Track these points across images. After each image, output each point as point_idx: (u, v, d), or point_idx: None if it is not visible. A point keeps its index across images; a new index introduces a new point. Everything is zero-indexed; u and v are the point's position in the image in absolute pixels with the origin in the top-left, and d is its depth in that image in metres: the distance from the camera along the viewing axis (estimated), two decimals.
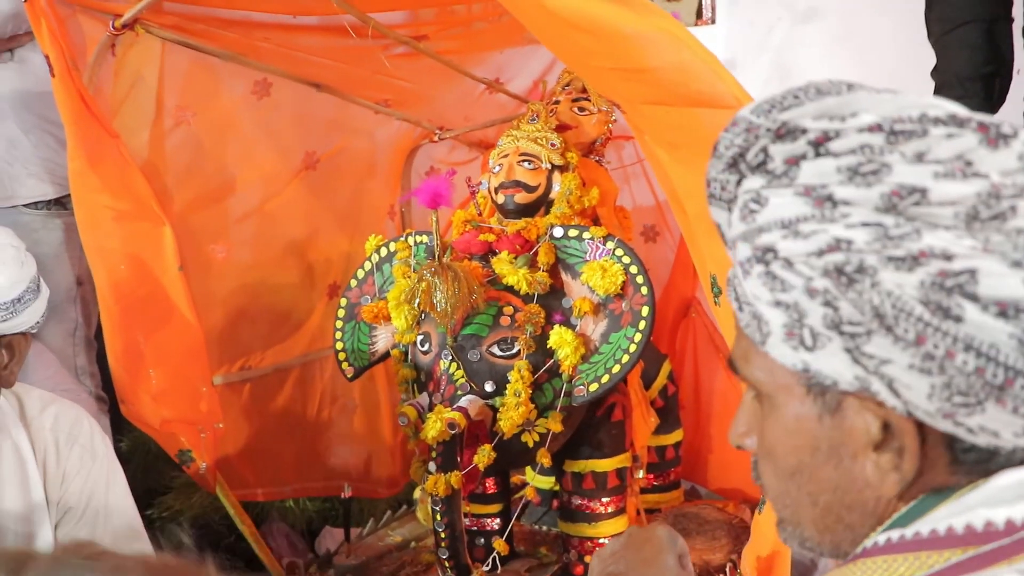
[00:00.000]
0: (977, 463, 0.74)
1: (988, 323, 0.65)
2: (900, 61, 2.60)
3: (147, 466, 3.10)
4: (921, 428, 0.73)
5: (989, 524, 0.71)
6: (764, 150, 0.73)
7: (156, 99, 2.29)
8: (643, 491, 2.54)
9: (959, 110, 0.71)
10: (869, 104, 0.71)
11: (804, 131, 0.71)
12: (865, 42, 3.25)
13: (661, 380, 2.55)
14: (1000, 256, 0.66)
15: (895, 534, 0.75)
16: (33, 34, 2.66)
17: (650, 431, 2.39)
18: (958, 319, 0.66)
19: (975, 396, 0.68)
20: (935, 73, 2.37)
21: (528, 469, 2.67)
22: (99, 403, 2.87)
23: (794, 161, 0.72)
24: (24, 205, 2.71)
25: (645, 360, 2.37)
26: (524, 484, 2.75)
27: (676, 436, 2.64)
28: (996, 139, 0.68)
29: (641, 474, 2.45)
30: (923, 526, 0.74)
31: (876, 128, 0.69)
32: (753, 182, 0.74)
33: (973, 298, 0.65)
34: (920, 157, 0.68)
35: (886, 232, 0.67)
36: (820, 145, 0.70)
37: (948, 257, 0.66)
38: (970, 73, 2.28)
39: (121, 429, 3.08)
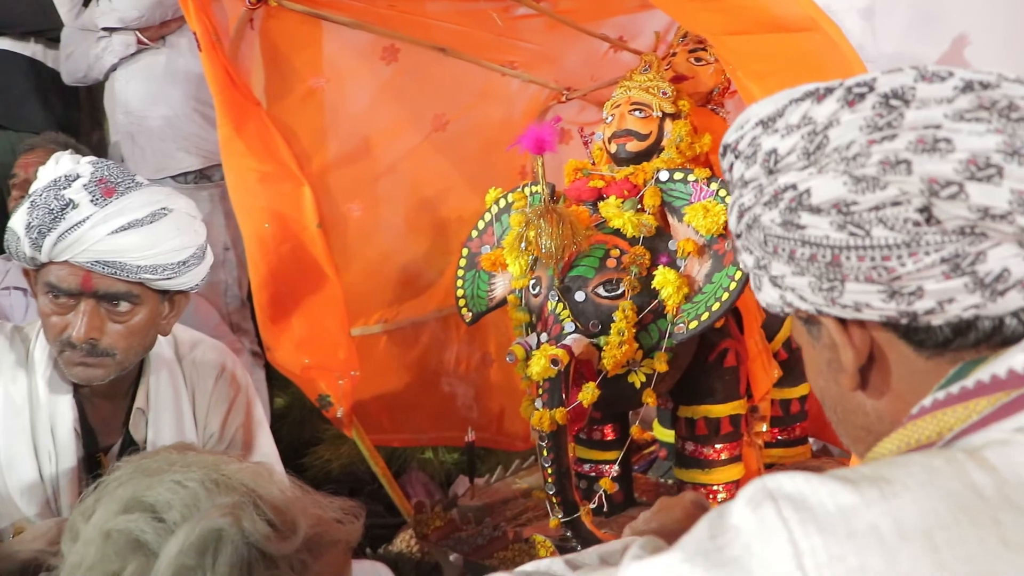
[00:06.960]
0: (977, 343, 0.80)
1: (815, 220, 0.82)
2: None
3: (302, 420, 3.35)
4: (864, 328, 0.85)
5: None
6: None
7: (293, 68, 2.46)
8: (767, 445, 2.50)
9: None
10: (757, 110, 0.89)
11: None
12: None
13: (785, 332, 2.48)
14: (833, 172, 0.80)
15: (941, 394, 0.79)
16: (179, 21, 2.98)
17: (771, 382, 2.35)
18: (800, 227, 0.83)
19: (828, 279, 0.83)
20: None
21: (656, 424, 2.70)
22: (255, 358, 3.11)
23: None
24: (173, 177, 3.01)
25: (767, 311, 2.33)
26: (652, 441, 2.78)
27: (802, 390, 2.55)
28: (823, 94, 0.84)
29: (764, 427, 2.43)
30: (967, 381, 0.78)
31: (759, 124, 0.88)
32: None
33: (809, 209, 0.82)
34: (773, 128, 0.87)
35: (761, 187, 0.87)
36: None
37: (794, 187, 0.83)
38: None
39: (278, 386, 3.32)
